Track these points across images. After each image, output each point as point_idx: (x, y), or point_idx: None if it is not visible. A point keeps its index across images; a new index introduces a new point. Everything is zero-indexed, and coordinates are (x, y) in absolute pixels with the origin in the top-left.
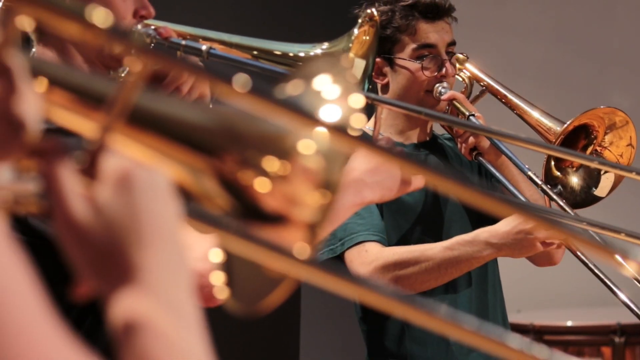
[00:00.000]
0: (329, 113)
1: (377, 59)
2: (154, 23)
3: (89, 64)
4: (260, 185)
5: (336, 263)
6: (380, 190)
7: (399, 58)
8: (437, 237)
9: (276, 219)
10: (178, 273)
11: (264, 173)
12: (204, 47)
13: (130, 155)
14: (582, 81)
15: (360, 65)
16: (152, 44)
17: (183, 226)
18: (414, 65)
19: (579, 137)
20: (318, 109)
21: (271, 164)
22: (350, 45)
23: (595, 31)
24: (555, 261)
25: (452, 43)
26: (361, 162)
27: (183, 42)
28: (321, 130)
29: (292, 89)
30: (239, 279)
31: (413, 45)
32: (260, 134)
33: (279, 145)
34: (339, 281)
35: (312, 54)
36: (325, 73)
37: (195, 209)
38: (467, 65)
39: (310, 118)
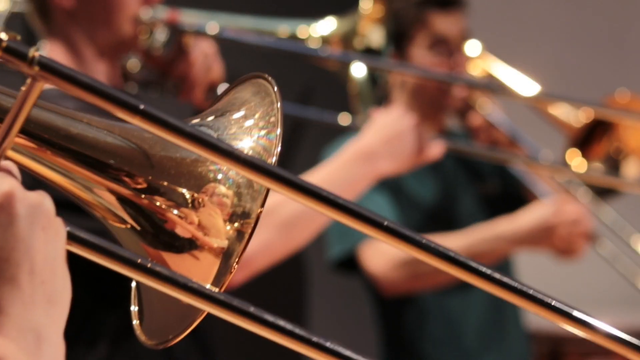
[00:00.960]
0: (247, 145)
1: (391, 55)
2: (162, 9)
3: (100, 56)
4: (172, 213)
5: (239, 298)
6: (396, 161)
7: (413, 52)
8: None
9: (186, 247)
10: (47, 310)
11: (176, 200)
12: (211, 30)
13: (17, 178)
14: (597, 77)
15: (378, 31)
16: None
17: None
18: (428, 58)
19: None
20: (235, 140)
21: (183, 192)
22: (358, 20)
23: (612, 27)
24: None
25: (466, 36)
26: (374, 134)
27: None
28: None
29: (210, 116)
30: (148, 309)
31: (426, 39)
32: (175, 162)
33: (194, 174)
34: (243, 317)
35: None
36: (251, 103)
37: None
38: (482, 58)
39: (218, 151)
